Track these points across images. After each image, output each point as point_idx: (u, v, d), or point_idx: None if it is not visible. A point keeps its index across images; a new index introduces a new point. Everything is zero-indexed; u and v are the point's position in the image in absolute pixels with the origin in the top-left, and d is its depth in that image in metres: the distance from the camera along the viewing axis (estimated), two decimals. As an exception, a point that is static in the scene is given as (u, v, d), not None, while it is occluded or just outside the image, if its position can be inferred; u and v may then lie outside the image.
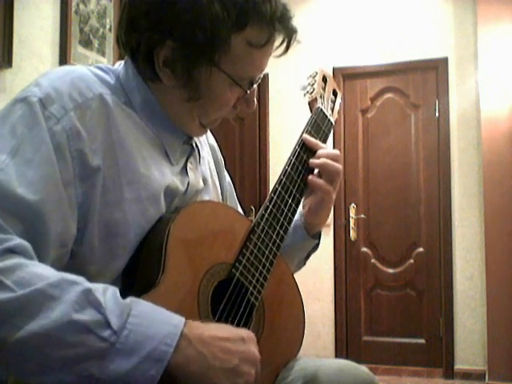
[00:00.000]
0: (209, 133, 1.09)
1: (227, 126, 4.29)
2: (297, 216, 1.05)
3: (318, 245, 1.12)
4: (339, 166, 1.02)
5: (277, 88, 4.23)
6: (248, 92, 0.90)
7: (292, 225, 1.02)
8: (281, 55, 0.89)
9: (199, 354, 0.67)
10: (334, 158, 1.02)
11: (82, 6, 2.94)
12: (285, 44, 0.88)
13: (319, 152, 1.02)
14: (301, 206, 1.04)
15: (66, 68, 0.84)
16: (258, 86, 0.94)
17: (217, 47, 0.82)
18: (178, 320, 0.69)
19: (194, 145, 0.97)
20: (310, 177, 1.01)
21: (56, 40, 2.78)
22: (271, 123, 4.27)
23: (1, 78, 2.44)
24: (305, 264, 1.15)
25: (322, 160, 1.01)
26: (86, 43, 2.94)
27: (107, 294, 0.68)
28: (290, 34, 0.87)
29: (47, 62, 2.71)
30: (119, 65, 0.92)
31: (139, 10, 0.83)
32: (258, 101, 4.27)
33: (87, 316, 0.64)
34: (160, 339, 0.65)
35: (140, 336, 0.65)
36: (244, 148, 4.33)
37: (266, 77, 4.22)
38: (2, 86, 2.45)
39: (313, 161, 1.01)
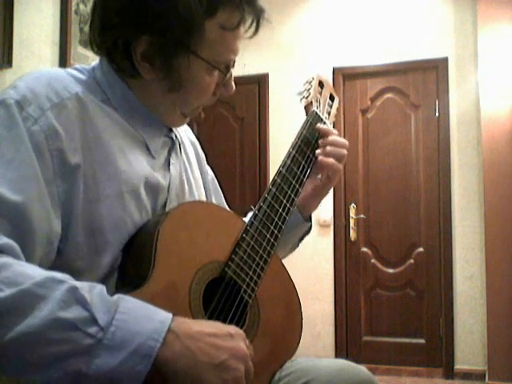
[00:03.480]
0: (188, 128, 1.11)
1: (227, 125, 4.29)
2: None
3: (310, 227, 1.15)
4: (343, 150, 1.09)
5: (277, 88, 4.23)
6: (227, 76, 0.92)
7: None
8: (252, 36, 0.91)
9: (187, 349, 0.68)
10: (339, 145, 1.08)
11: (82, 6, 2.94)
12: (254, 24, 0.90)
13: (330, 138, 1.07)
14: None
15: (41, 70, 0.85)
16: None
17: (192, 35, 0.84)
18: (165, 316, 0.69)
19: (174, 137, 0.98)
20: (321, 157, 1.05)
21: (56, 40, 2.79)
22: (271, 123, 4.27)
23: (1, 78, 2.44)
24: (298, 246, 1.18)
25: (332, 138, 1.07)
26: (86, 43, 2.94)
27: (94, 291, 0.68)
28: (258, 14, 0.90)
29: (47, 62, 2.72)
30: (94, 63, 0.93)
31: (111, 8, 0.84)
32: (258, 101, 4.27)
33: (73, 313, 0.65)
34: (147, 335, 0.66)
35: (127, 332, 0.65)
36: (244, 148, 4.32)
37: (266, 77, 4.22)
38: (2, 85, 2.45)
39: (323, 140, 1.07)
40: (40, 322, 0.63)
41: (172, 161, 0.95)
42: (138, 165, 0.87)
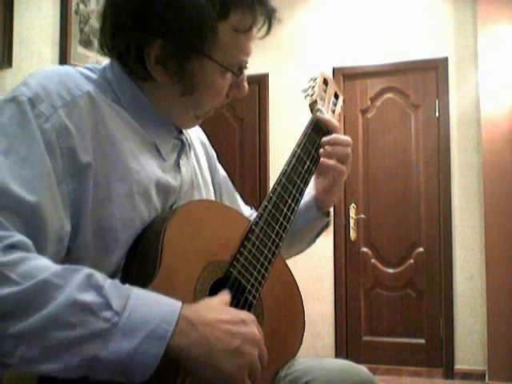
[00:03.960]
0: (198, 128, 1.11)
1: (227, 125, 4.28)
2: (307, 197, 1.10)
3: (329, 222, 1.16)
4: (348, 150, 1.07)
5: (277, 88, 4.23)
6: (240, 77, 0.92)
7: (303, 206, 1.08)
8: (264, 36, 0.91)
9: (202, 337, 0.69)
10: (342, 144, 1.07)
11: (81, 6, 2.94)
12: (266, 25, 0.90)
13: (328, 138, 1.06)
14: (309, 187, 1.07)
15: (53, 68, 0.86)
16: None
17: (205, 38, 0.84)
18: (174, 302, 0.70)
19: (185, 139, 0.98)
20: (323, 159, 1.05)
21: (56, 40, 2.78)
22: (271, 123, 4.27)
23: (1, 78, 2.44)
24: (315, 242, 1.19)
25: (333, 147, 1.06)
26: (86, 43, 2.94)
27: (107, 279, 0.70)
28: (270, 15, 0.90)
29: (47, 62, 2.71)
30: (105, 63, 0.93)
31: (124, 13, 0.84)
32: (258, 101, 4.27)
33: (89, 297, 0.66)
34: (161, 318, 0.67)
35: (140, 316, 0.67)
36: (244, 148, 4.33)
37: (266, 77, 4.22)
38: (2, 85, 2.45)
39: (324, 148, 1.06)
40: (58, 306, 0.65)
41: (182, 162, 0.95)
42: (148, 166, 0.87)
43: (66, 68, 0.86)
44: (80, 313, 0.65)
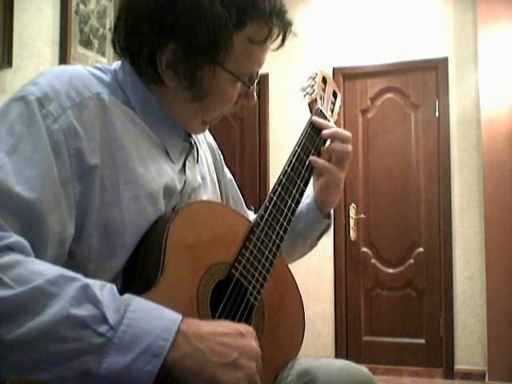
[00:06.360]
0: (207, 132, 1.10)
1: (227, 125, 4.28)
2: (308, 199, 1.09)
3: (329, 224, 1.14)
4: (347, 147, 1.05)
5: (277, 88, 4.23)
6: (251, 87, 0.92)
7: (304, 208, 1.07)
8: (278, 48, 0.91)
9: (196, 350, 0.67)
10: (342, 139, 1.05)
11: (81, 6, 2.94)
12: (281, 37, 0.90)
13: (328, 131, 1.05)
14: (310, 188, 1.06)
15: (63, 67, 0.84)
16: (258, 85, 0.96)
17: (220, 47, 0.83)
18: (174, 316, 0.69)
19: (193, 142, 0.97)
20: (312, 157, 1.03)
21: (56, 40, 2.78)
22: (271, 123, 4.27)
23: (1, 78, 2.44)
24: (317, 244, 1.18)
25: (332, 144, 1.05)
26: (86, 43, 2.94)
27: (104, 289, 0.68)
28: (286, 28, 0.90)
29: (47, 62, 2.71)
30: (116, 64, 0.92)
31: (139, 15, 0.83)
32: (258, 101, 4.27)
33: (84, 311, 0.64)
34: (157, 334, 0.65)
35: (137, 331, 0.65)
36: (244, 148, 4.33)
37: (266, 77, 4.22)
38: (2, 86, 2.45)
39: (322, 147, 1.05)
40: (51, 319, 0.63)
41: (188, 164, 0.94)
42: (157, 170, 0.86)
43: (76, 68, 0.84)
44: (74, 327, 0.63)
